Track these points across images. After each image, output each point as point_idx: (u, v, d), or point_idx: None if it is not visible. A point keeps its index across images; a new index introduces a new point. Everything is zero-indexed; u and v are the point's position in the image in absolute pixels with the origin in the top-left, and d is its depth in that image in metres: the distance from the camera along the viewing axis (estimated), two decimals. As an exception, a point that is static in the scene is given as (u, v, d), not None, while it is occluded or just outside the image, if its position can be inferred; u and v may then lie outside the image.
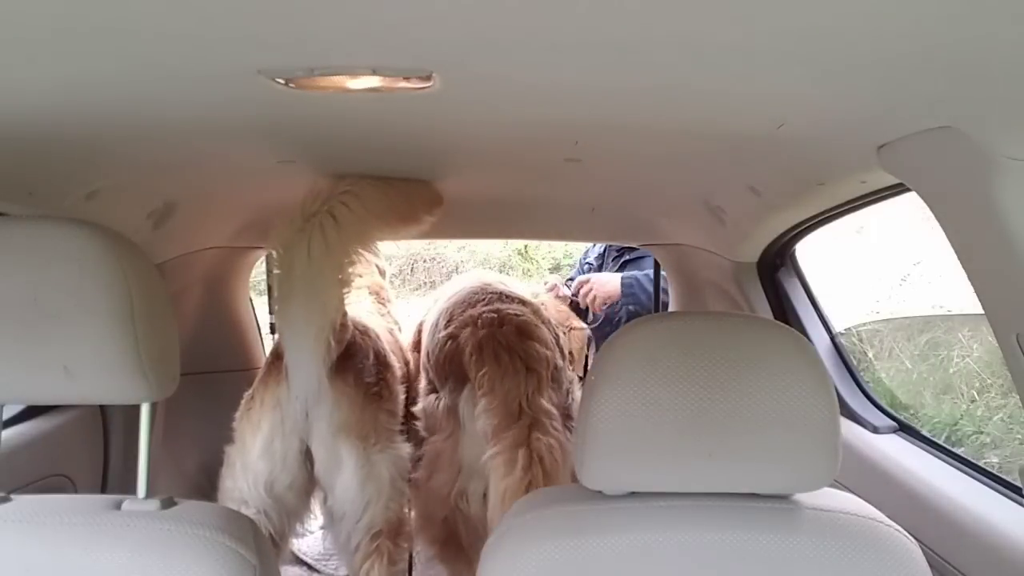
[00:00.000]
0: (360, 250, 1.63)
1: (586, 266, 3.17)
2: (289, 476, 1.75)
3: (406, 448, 1.88)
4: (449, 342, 1.88)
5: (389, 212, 1.64)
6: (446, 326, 1.95)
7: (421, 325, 2.34)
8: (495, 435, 1.68)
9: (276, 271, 1.58)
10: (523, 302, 2.01)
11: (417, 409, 2.02)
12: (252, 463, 1.74)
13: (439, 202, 1.75)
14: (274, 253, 1.59)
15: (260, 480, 1.73)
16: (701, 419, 0.93)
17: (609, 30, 0.75)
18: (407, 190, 1.68)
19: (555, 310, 2.51)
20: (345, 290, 1.63)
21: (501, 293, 2.02)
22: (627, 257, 2.95)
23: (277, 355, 1.76)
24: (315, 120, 1.17)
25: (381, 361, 1.90)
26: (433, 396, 1.97)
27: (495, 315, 1.85)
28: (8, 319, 0.96)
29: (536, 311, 1.99)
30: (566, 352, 2.03)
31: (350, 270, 1.62)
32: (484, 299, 1.99)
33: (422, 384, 2.07)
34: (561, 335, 2.06)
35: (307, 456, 1.77)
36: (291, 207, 1.58)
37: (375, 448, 1.78)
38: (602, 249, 3.11)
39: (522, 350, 1.74)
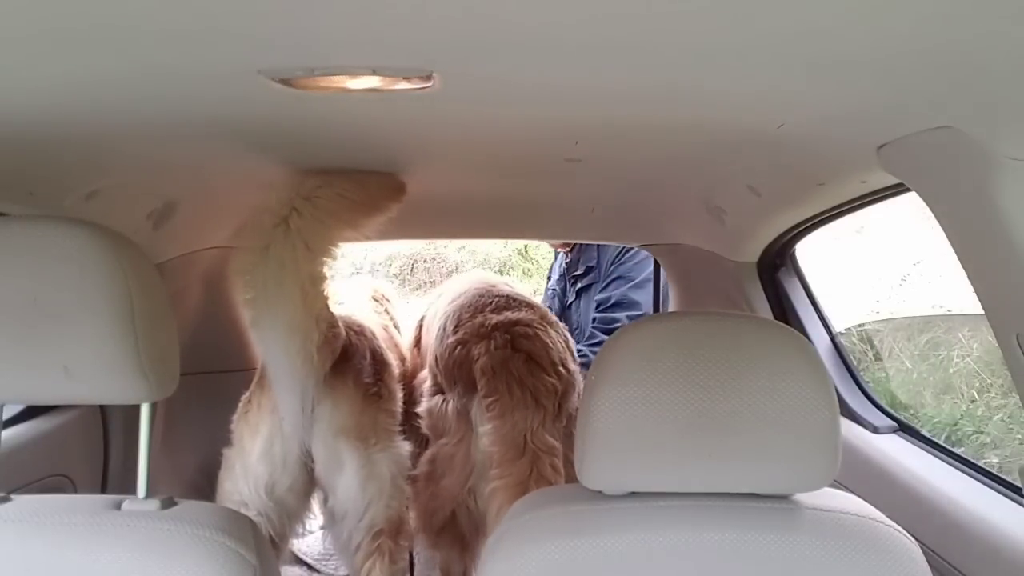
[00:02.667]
0: (325, 258, 1.56)
1: (551, 291, 3.14)
2: (289, 478, 1.75)
3: (406, 447, 1.88)
4: (459, 348, 1.88)
5: (349, 207, 1.56)
6: (455, 331, 1.95)
7: (423, 323, 2.32)
8: (499, 465, 1.73)
9: (246, 296, 1.52)
10: (530, 306, 2.01)
11: (421, 409, 2.00)
12: (252, 466, 1.73)
13: (402, 189, 1.67)
14: (242, 277, 1.52)
15: (260, 483, 1.73)
16: (701, 419, 0.93)
17: (609, 30, 0.75)
18: (364, 181, 1.60)
19: None
20: (323, 298, 1.58)
21: (508, 297, 2.02)
22: (580, 285, 2.90)
23: None
24: (315, 120, 1.17)
25: (378, 360, 1.90)
26: (439, 397, 1.97)
27: (507, 333, 1.85)
28: (8, 319, 0.96)
29: (544, 316, 1.99)
30: (573, 350, 2.03)
31: (323, 282, 1.57)
32: (491, 303, 1.98)
33: (427, 384, 2.06)
34: (569, 337, 2.07)
35: (307, 457, 1.77)
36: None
37: (376, 448, 1.78)
38: (562, 271, 3.07)
39: (532, 384, 1.76)
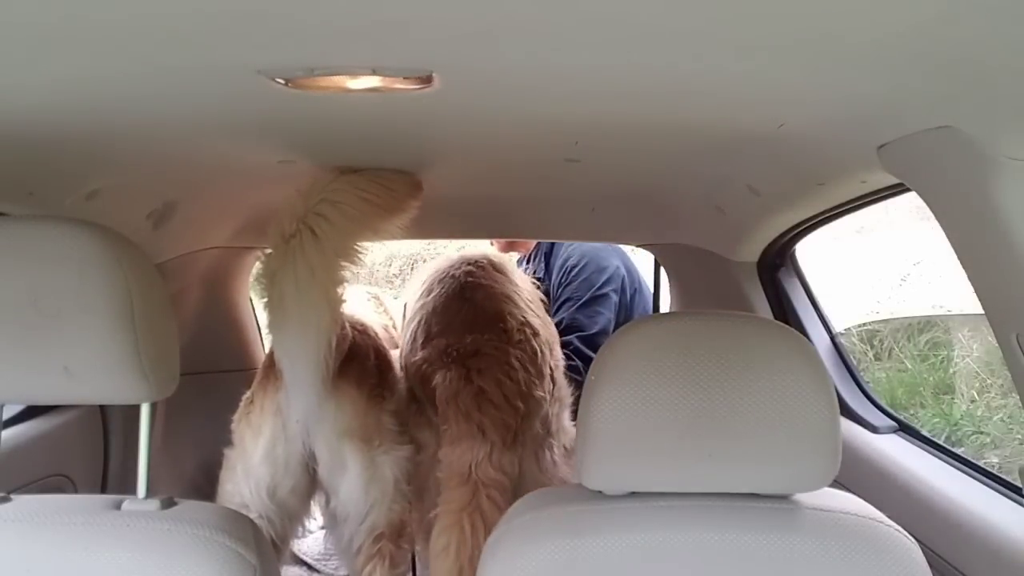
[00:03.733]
0: (349, 263, 1.56)
1: None
2: (292, 480, 1.75)
3: (408, 449, 1.88)
4: (425, 366, 1.92)
5: (371, 210, 1.57)
6: (423, 345, 1.96)
7: (404, 312, 2.29)
8: (444, 491, 1.80)
9: (265, 298, 1.53)
10: (501, 319, 1.96)
11: (390, 408, 1.98)
12: (254, 468, 1.73)
13: (420, 187, 1.68)
14: (262, 280, 1.53)
15: (262, 485, 1.72)
16: (701, 419, 0.93)
17: (609, 30, 0.75)
18: (386, 181, 1.60)
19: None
20: (340, 302, 1.58)
21: (477, 307, 1.98)
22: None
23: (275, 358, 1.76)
24: (315, 120, 1.17)
25: (382, 360, 1.90)
26: (414, 405, 1.98)
27: (464, 366, 1.85)
28: (8, 319, 0.96)
29: (505, 332, 1.94)
30: (556, 358, 2.03)
31: (341, 286, 1.57)
32: (462, 313, 1.97)
33: (401, 386, 2.05)
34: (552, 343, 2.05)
35: (310, 459, 1.76)
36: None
37: (379, 450, 1.78)
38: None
39: (478, 419, 1.80)
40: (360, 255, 1.59)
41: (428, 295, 2.09)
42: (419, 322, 2.03)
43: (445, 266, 2.15)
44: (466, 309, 1.99)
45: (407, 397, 2.01)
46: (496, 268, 2.14)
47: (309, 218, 1.49)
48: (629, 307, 2.74)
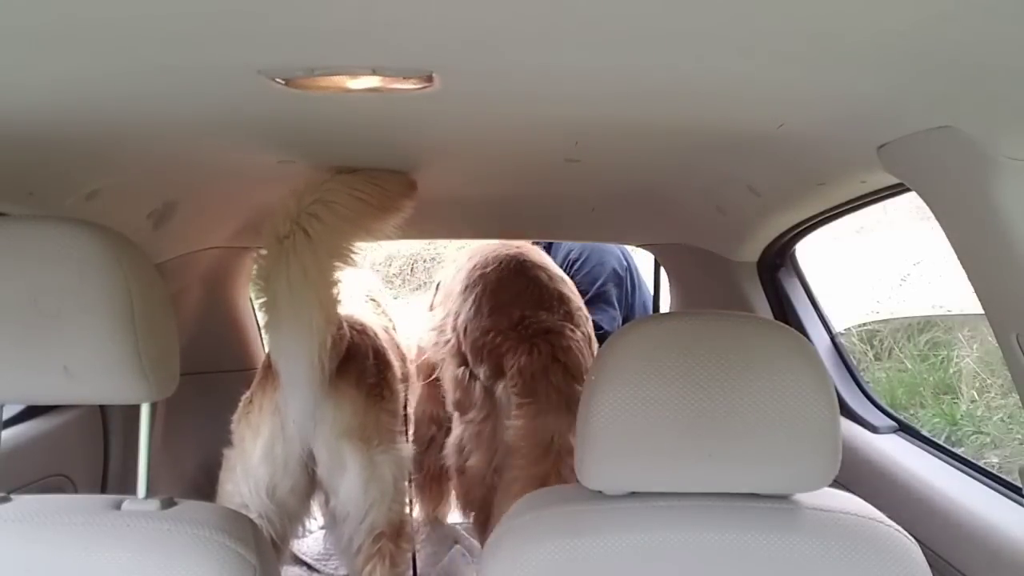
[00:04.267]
0: (342, 263, 1.56)
1: None
2: (291, 480, 1.74)
3: (408, 448, 1.88)
4: (492, 335, 2.01)
5: (365, 210, 1.56)
6: (489, 313, 2.04)
7: (439, 288, 2.37)
8: (524, 458, 1.90)
9: (261, 299, 1.53)
10: (562, 300, 2.08)
11: (445, 377, 2.06)
12: (253, 468, 1.73)
13: (414, 186, 1.67)
14: (258, 281, 1.54)
15: (262, 485, 1.72)
16: (701, 419, 0.93)
17: (609, 31, 0.75)
18: (379, 180, 1.60)
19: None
20: (335, 302, 1.59)
21: (541, 289, 2.09)
22: None
23: None
24: (315, 120, 1.17)
25: (381, 360, 1.90)
26: (464, 369, 2.05)
27: (548, 343, 1.96)
28: (8, 319, 0.96)
29: (571, 315, 2.07)
30: (594, 348, 2.10)
31: (336, 286, 1.57)
32: (526, 293, 2.07)
33: (447, 349, 2.11)
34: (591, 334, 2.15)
35: (309, 459, 1.76)
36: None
37: (378, 449, 1.78)
38: None
39: (568, 394, 1.90)
40: (354, 255, 1.59)
41: (485, 268, 2.16)
42: (482, 290, 2.11)
43: (493, 247, 2.25)
44: (531, 288, 2.10)
45: (457, 359, 2.06)
46: (540, 255, 2.28)
47: (302, 219, 1.49)
48: (631, 301, 2.78)
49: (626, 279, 2.78)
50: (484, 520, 2.13)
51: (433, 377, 2.27)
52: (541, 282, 2.12)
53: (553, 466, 1.86)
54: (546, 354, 1.95)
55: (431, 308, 2.44)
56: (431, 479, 2.49)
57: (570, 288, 2.21)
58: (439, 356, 2.19)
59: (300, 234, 1.48)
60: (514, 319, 2.00)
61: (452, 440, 2.12)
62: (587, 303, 2.63)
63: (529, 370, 1.92)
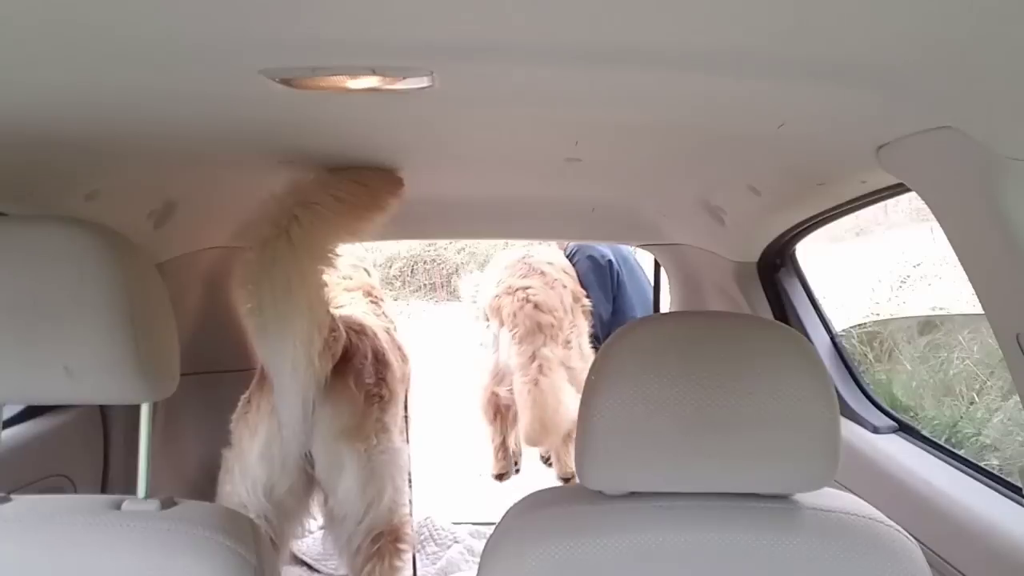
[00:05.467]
0: (326, 266, 1.55)
1: None
2: (289, 480, 1.74)
3: (407, 448, 1.88)
4: (494, 300, 2.78)
5: (347, 210, 1.54)
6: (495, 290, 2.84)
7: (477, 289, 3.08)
8: (519, 369, 2.66)
9: (247, 304, 1.51)
10: (540, 272, 2.80)
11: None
12: (251, 468, 1.73)
13: (400, 184, 1.65)
14: (246, 288, 1.52)
15: (259, 485, 1.72)
16: (701, 419, 0.93)
17: (609, 31, 0.75)
18: (363, 179, 1.58)
19: (572, 284, 3.02)
20: (324, 304, 1.58)
21: (528, 266, 2.83)
22: None
23: None
24: (315, 120, 1.17)
25: (380, 360, 1.89)
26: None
27: (524, 293, 2.76)
28: (8, 319, 0.96)
29: (545, 277, 2.80)
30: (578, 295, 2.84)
31: (324, 288, 1.56)
32: (518, 274, 2.84)
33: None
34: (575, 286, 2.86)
35: (307, 459, 1.76)
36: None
37: (377, 449, 1.78)
38: None
39: (536, 322, 2.67)
40: (337, 257, 1.57)
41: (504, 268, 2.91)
42: (496, 281, 2.86)
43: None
44: (520, 269, 2.83)
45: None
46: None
47: (284, 222, 1.48)
48: (616, 288, 3.05)
49: (607, 268, 3.07)
50: (497, 420, 2.94)
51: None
52: (530, 263, 2.85)
53: (539, 369, 2.62)
54: (521, 299, 2.74)
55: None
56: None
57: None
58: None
59: (283, 237, 1.47)
60: (504, 288, 2.82)
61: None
62: None
63: (511, 311, 2.71)
